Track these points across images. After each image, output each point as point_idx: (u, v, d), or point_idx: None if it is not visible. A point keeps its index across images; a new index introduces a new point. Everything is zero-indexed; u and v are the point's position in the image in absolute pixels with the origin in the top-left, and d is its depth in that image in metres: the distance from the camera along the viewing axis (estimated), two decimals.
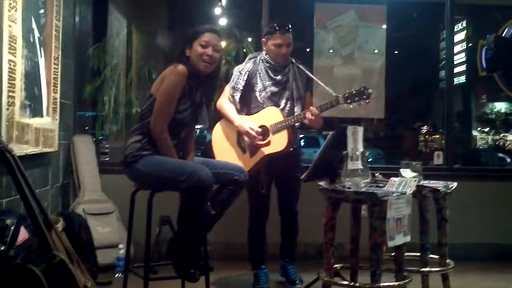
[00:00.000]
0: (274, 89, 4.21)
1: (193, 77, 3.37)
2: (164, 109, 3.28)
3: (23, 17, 3.66)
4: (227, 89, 4.34)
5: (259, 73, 4.24)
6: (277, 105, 4.19)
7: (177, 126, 3.38)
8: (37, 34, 3.99)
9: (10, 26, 3.45)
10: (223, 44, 5.66)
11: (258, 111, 4.20)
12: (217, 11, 6.62)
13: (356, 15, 5.64)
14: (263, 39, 4.28)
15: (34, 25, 3.93)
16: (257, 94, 4.21)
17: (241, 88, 4.23)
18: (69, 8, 5.00)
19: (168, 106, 3.28)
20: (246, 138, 4.12)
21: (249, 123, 4.09)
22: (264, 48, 4.29)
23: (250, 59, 4.36)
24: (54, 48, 4.39)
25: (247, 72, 4.25)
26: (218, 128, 4.32)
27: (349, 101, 4.05)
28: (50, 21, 4.28)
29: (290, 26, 4.21)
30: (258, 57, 4.31)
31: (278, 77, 4.23)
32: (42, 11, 4.09)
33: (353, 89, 4.06)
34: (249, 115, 4.23)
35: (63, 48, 4.61)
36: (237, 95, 4.23)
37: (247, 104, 4.26)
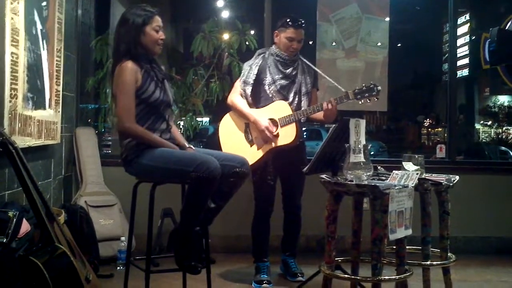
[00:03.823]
0: (283, 82, 4.24)
1: (145, 60, 3.37)
2: (125, 107, 3.25)
3: (26, 10, 3.66)
4: (237, 84, 4.37)
5: (269, 67, 4.26)
6: (286, 99, 4.22)
7: (157, 108, 3.38)
8: (39, 27, 3.99)
9: (12, 18, 3.45)
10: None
11: (267, 104, 4.22)
12: (220, 3, 6.61)
13: (359, 7, 5.62)
14: (276, 31, 4.32)
15: (36, 18, 3.93)
16: (266, 87, 4.24)
17: (251, 82, 4.25)
18: (72, 1, 4.99)
19: (128, 104, 3.25)
20: (257, 130, 4.15)
21: (266, 120, 4.11)
22: (275, 41, 4.33)
23: (259, 54, 4.39)
24: (57, 40, 4.39)
25: (257, 66, 4.28)
26: (226, 119, 4.33)
27: (359, 96, 4.07)
28: (52, 13, 4.28)
29: (303, 22, 4.25)
30: (267, 52, 4.35)
31: (288, 70, 4.25)
32: (44, 3, 4.09)
33: (363, 85, 4.08)
34: (257, 108, 4.25)
35: (65, 41, 4.62)
36: (249, 89, 4.25)
37: (256, 97, 4.28)
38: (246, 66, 4.38)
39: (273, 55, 4.28)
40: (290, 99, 4.23)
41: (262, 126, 4.10)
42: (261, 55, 4.36)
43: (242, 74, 4.38)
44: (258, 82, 4.26)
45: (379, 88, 4.07)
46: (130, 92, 3.26)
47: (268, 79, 4.24)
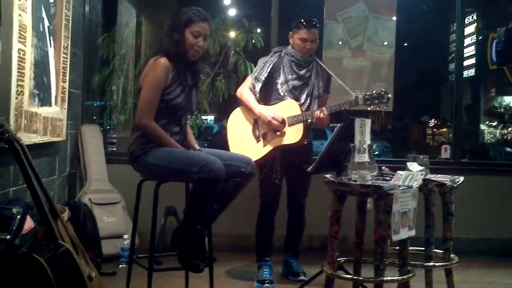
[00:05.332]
0: (296, 83, 4.24)
1: (179, 62, 3.37)
2: (149, 103, 3.28)
3: (33, 6, 3.67)
4: (249, 78, 4.38)
5: (283, 66, 4.27)
6: (298, 100, 4.22)
7: (176, 112, 3.39)
8: (46, 23, 4.00)
9: (20, 15, 3.46)
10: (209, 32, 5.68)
11: (277, 103, 4.22)
12: (227, 1, 6.61)
13: (366, 6, 5.62)
14: (290, 32, 4.32)
15: (44, 14, 3.94)
16: (279, 86, 4.24)
17: (263, 79, 4.25)
18: None
19: (152, 100, 3.28)
20: (264, 126, 4.16)
21: (271, 112, 4.12)
22: (290, 41, 4.33)
23: (275, 52, 4.39)
24: (64, 37, 4.40)
25: (271, 65, 4.27)
26: (235, 114, 4.35)
27: (368, 103, 4.08)
28: (60, 10, 4.29)
29: (317, 21, 4.26)
30: (283, 51, 4.35)
31: (302, 72, 4.26)
32: (52, 0, 4.10)
33: (373, 91, 4.08)
34: (267, 105, 4.25)
35: (72, 38, 4.63)
36: (258, 86, 4.25)
37: (267, 95, 4.28)
38: (260, 62, 4.37)
39: (289, 55, 4.29)
40: (302, 100, 4.23)
41: (268, 117, 4.10)
42: (277, 54, 4.35)
43: (255, 69, 4.39)
44: (271, 80, 4.26)
45: (390, 96, 4.08)
46: (158, 89, 3.29)
47: (281, 79, 4.24)
